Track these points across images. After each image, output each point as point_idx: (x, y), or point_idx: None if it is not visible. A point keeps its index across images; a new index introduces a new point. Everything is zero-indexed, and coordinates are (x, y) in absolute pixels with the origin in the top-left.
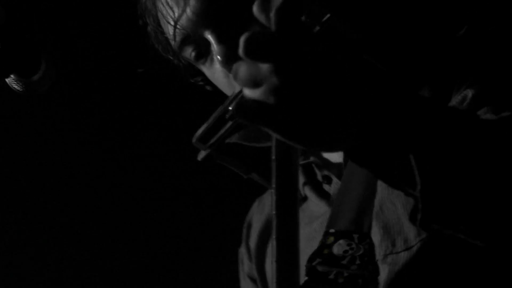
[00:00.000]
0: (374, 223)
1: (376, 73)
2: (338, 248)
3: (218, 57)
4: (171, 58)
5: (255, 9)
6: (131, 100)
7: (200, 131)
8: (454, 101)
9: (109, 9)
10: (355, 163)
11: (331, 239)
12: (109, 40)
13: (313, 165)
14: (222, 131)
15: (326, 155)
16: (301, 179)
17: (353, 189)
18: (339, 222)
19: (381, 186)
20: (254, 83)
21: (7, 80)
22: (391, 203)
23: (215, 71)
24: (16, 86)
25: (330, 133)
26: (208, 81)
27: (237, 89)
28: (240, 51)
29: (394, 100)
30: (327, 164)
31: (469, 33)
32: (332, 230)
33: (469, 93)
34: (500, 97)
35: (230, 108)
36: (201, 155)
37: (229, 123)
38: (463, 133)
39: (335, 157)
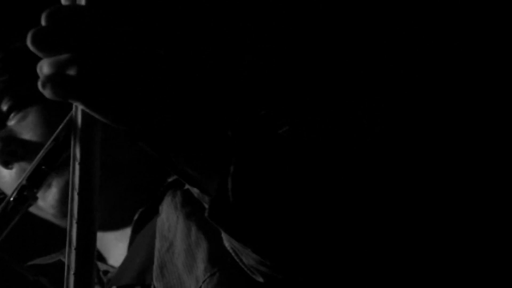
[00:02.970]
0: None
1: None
2: None
3: None
4: None
5: None
6: None
7: None
8: None
9: None
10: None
11: None
12: None
13: (101, 274)
14: (7, 228)
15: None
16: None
17: (136, 256)
18: (121, 280)
19: (160, 251)
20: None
21: None
22: (171, 264)
23: None
24: None
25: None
26: None
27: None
28: (29, 45)
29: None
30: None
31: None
32: (114, 287)
33: None
34: None
35: (12, 199)
36: None
37: (14, 219)
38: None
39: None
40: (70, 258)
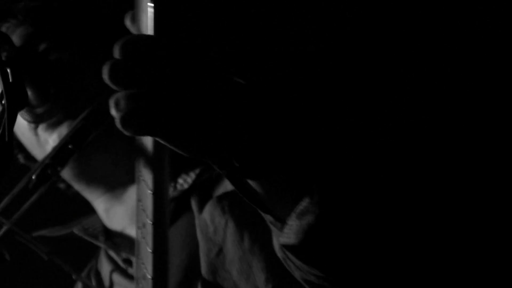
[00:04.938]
0: None
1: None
2: None
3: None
4: None
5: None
6: None
7: (3, 203)
8: None
9: None
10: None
11: None
12: None
13: (114, 252)
14: (26, 204)
15: (129, 232)
16: (108, 267)
17: (175, 258)
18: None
19: (208, 256)
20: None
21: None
22: (223, 270)
23: (20, 125)
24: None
25: (217, 137)
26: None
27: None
28: (105, 79)
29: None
30: (129, 244)
31: None
32: None
33: None
34: None
35: (34, 177)
36: (2, 230)
37: (34, 195)
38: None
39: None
40: None
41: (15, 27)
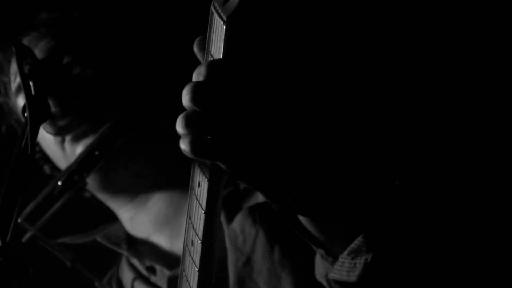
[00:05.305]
0: None
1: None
2: None
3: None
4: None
5: (195, 47)
6: None
7: (27, 209)
8: None
9: None
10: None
11: None
12: None
13: (135, 260)
14: (51, 210)
15: (154, 240)
16: (130, 275)
17: None
18: None
19: (235, 265)
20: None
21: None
22: (250, 280)
23: (45, 139)
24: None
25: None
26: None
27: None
28: (186, 101)
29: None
30: (153, 252)
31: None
32: None
33: None
34: None
35: (60, 183)
36: (26, 236)
37: (59, 201)
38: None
39: (163, 243)
40: None
41: (37, 40)
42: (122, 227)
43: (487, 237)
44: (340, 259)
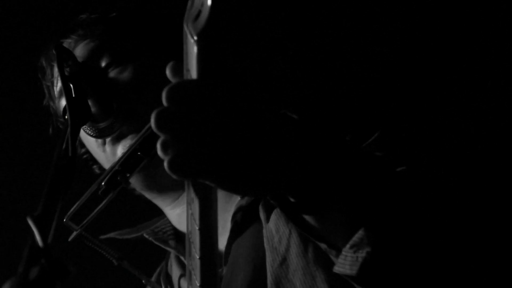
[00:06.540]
0: None
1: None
2: None
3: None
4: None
5: (168, 72)
6: None
7: (72, 210)
8: None
9: None
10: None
11: None
12: None
13: (182, 258)
14: (96, 210)
15: None
16: (178, 272)
17: (239, 270)
18: None
19: (272, 266)
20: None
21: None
22: (286, 280)
23: (88, 141)
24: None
25: (259, 175)
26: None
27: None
28: (153, 127)
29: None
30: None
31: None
32: None
33: None
34: None
35: (103, 184)
36: (72, 235)
37: (104, 201)
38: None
39: None
40: None
41: (77, 42)
42: (169, 222)
43: (487, 231)
44: (343, 253)
